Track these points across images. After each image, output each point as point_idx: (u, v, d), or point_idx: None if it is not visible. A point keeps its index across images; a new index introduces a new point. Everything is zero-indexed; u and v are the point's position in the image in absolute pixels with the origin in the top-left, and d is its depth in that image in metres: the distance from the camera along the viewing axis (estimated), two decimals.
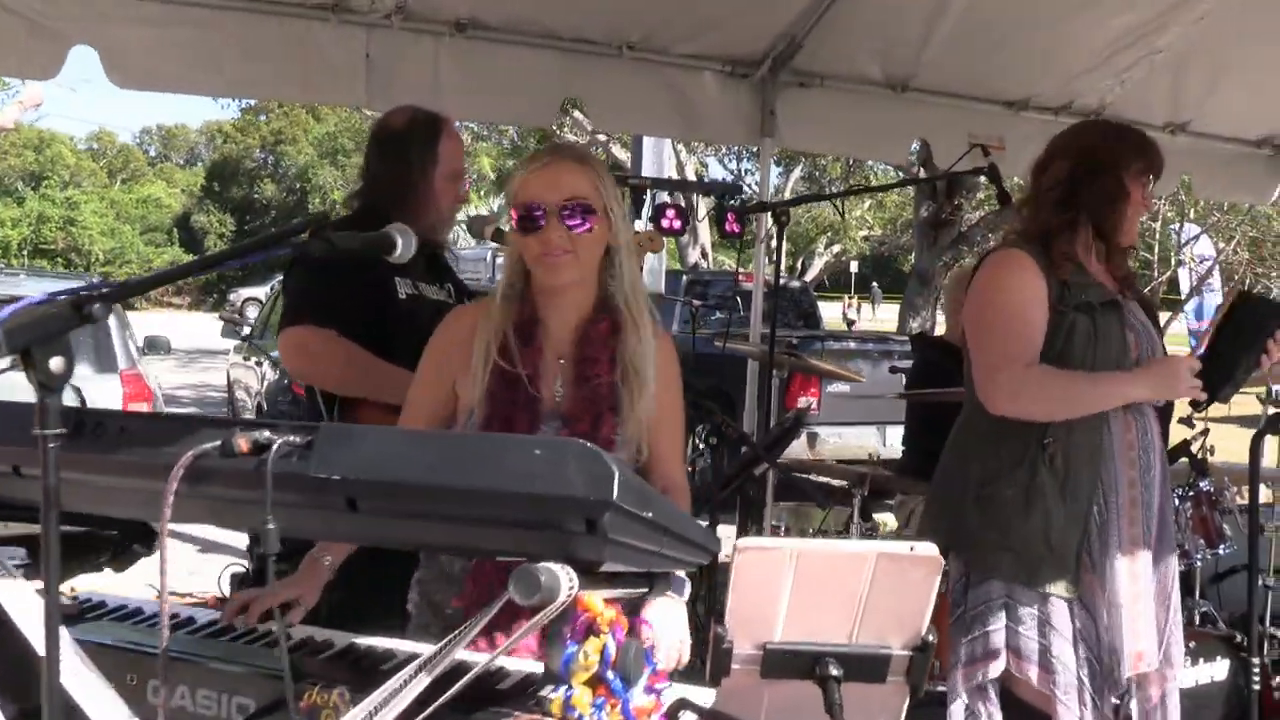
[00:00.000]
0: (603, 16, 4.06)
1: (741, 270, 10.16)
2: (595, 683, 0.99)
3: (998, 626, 2.31)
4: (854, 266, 36.34)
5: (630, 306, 1.89)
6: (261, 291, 21.16)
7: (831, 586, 1.09)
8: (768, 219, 4.07)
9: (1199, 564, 3.38)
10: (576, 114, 16.81)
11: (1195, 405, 2.57)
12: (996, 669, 2.30)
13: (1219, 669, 3.14)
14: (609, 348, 1.87)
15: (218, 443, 1.13)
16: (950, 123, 4.70)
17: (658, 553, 1.16)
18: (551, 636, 1.01)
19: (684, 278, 10.43)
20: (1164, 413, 2.48)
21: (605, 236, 1.87)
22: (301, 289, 2.51)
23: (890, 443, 8.07)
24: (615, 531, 1.02)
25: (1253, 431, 2.67)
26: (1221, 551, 3.50)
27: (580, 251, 1.84)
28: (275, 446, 1.10)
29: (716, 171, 21.22)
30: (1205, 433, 3.58)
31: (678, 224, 4.32)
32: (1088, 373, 2.30)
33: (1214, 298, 13.49)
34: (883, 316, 33.07)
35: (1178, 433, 3.36)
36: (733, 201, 4.22)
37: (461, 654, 1.21)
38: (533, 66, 4.07)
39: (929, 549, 1.08)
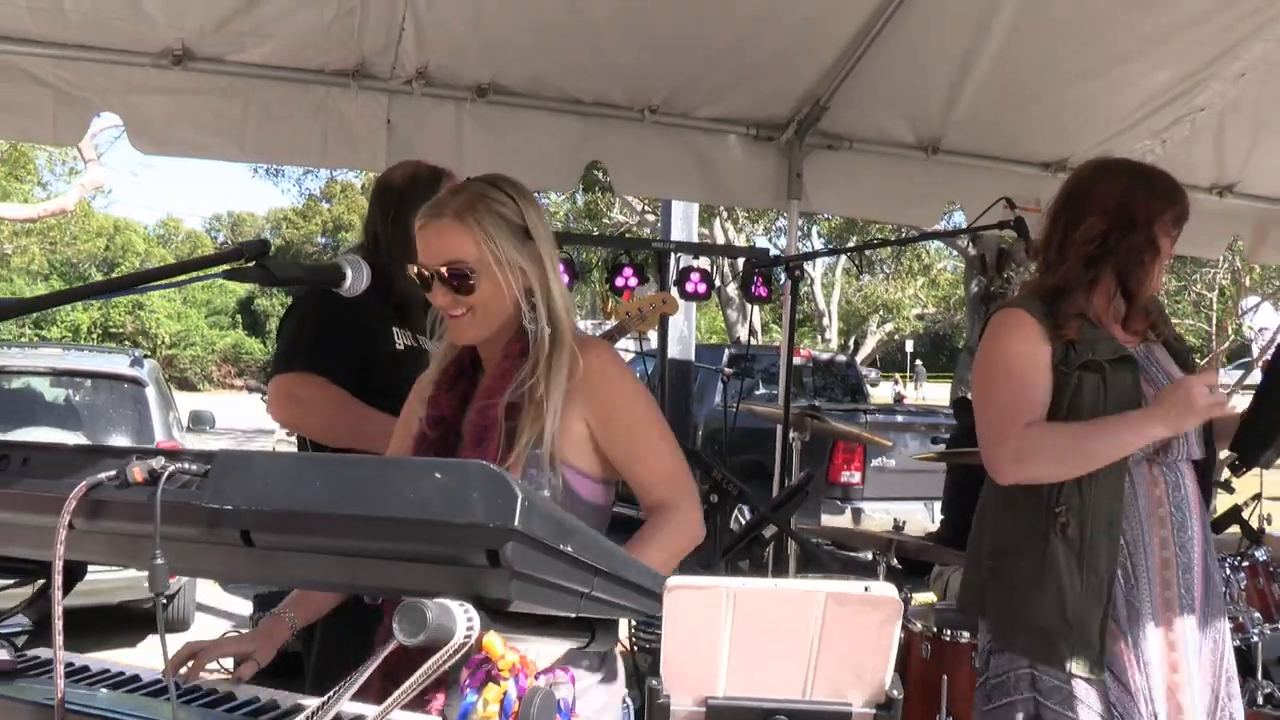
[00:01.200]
0: (625, 80, 4.04)
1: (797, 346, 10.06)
2: None
3: (1023, 697, 2.14)
4: (909, 345, 35.97)
5: (543, 336, 1.76)
6: None
7: (778, 632, 0.96)
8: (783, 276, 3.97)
9: (1257, 640, 3.13)
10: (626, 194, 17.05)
11: (1234, 469, 2.37)
12: None
13: None
14: (514, 373, 1.76)
15: (113, 473, 1.05)
16: (984, 185, 4.57)
17: (588, 594, 1.04)
18: (450, 685, 0.89)
19: (727, 351, 10.35)
20: (1202, 467, 2.26)
21: (502, 289, 1.76)
22: (293, 336, 2.46)
23: (939, 519, 7.81)
24: (523, 565, 0.91)
25: None
26: None
27: (477, 310, 1.76)
28: (168, 475, 1.02)
29: (763, 247, 21.26)
30: (1258, 497, 3.35)
31: (702, 288, 4.26)
32: (1096, 421, 2.13)
33: None
34: (930, 395, 32.46)
35: (1225, 496, 3.14)
36: (755, 264, 4.15)
37: (359, 708, 1.10)
38: (555, 131, 4.07)
39: (886, 589, 0.95)
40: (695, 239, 6.92)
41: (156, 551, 0.99)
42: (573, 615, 1.07)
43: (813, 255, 4.25)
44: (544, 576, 0.95)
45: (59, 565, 1.05)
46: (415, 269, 1.79)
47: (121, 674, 1.61)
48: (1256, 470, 2.37)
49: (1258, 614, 3.13)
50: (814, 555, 2.53)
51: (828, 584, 0.95)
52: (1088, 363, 2.15)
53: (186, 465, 1.02)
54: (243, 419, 21.38)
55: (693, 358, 6.55)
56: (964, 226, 4.79)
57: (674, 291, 4.16)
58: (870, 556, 3.02)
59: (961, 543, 3.53)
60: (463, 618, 0.88)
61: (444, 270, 1.75)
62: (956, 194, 4.77)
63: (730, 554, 2.30)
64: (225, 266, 1.27)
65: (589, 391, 1.75)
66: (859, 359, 21.32)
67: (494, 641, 0.87)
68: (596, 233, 18.46)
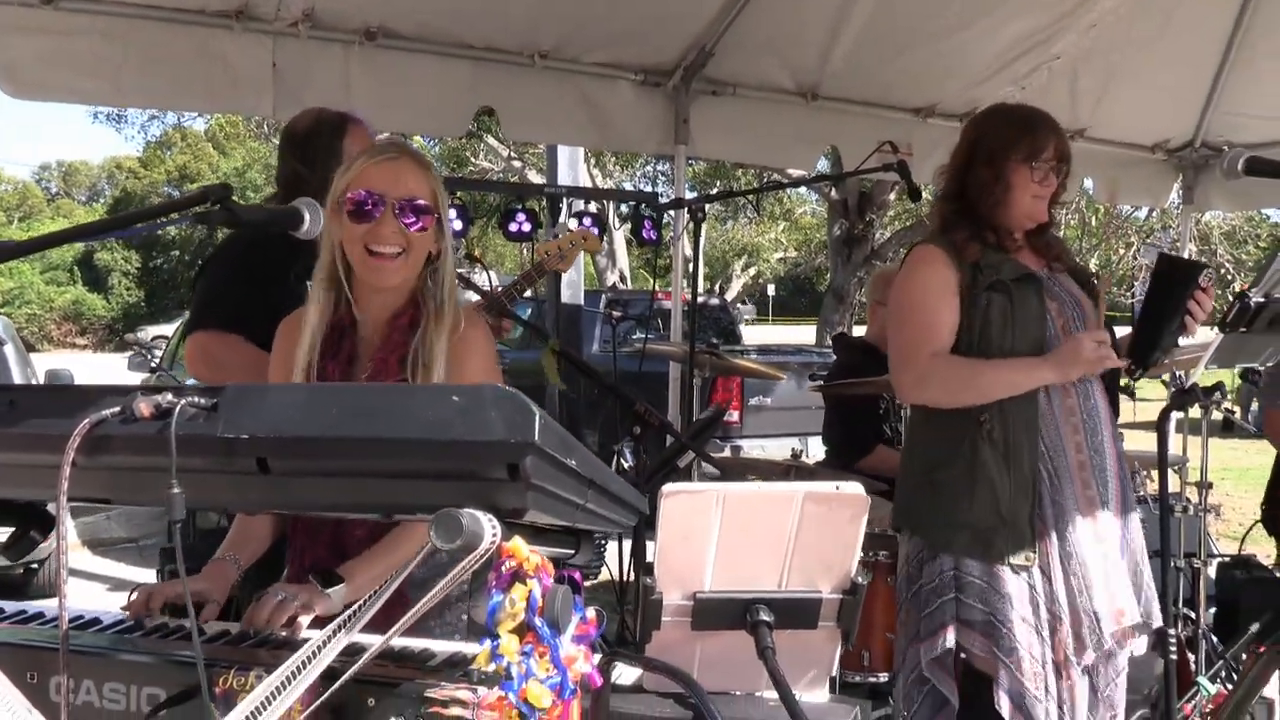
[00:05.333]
0: (515, 25, 4.05)
1: (659, 289, 10.20)
2: (523, 630, 0.96)
3: (949, 599, 2.37)
4: (770, 289, 36.68)
5: (436, 303, 1.86)
6: (169, 329, 20.71)
7: (760, 529, 1.08)
8: (684, 217, 4.08)
9: None
10: (490, 140, 16.82)
11: (1130, 374, 2.59)
12: (948, 641, 2.35)
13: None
14: (405, 344, 1.85)
15: (117, 409, 1.08)
16: (859, 130, 4.79)
17: (582, 506, 1.13)
18: (476, 588, 0.97)
19: (603, 296, 10.43)
20: (1107, 382, 2.51)
21: (432, 242, 1.88)
22: (207, 292, 2.44)
23: (813, 453, 8.13)
24: (538, 477, 0.99)
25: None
26: None
27: (411, 252, 1.84)
28: (179, 409, 1.06)
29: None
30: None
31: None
32: (994, 360, 2.35)
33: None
34: (779, 335, 32.88)
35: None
36: (648, 209, 4.25)
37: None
38: (445, 76, 4.05)
39: (855, 488, 1.08)
40: (582, 183, 6.96)
41: (173, 481, 1.03)
42: (565, 525, 1.16)
43: (713, 198, 4.37)
44: (551, 488, 1.03)
45: (64, 501, 1.08)
46: (356, 198, 1.80)
47: (81, 615, 1.62)
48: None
49: None
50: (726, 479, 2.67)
51: (805, 485, 1.07)
52: (994, 283, 2.35)
53: (195, 399, 1.07)
54: (91, 378, 20.43)
55: (582, 303, 6.63)
56: (839, 169, 4.98)
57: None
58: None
59: (846, 467, 3.75)
60: (489, 525, 0.96)
61: (404, 202, 1.80)
62: (833, 138, 4.96)
63: (651, 481, 2.42)
64: (192, 210, 1.29)
65: (456, 356, 1.85)
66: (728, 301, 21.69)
67: (519, 544, 0.96)
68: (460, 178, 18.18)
